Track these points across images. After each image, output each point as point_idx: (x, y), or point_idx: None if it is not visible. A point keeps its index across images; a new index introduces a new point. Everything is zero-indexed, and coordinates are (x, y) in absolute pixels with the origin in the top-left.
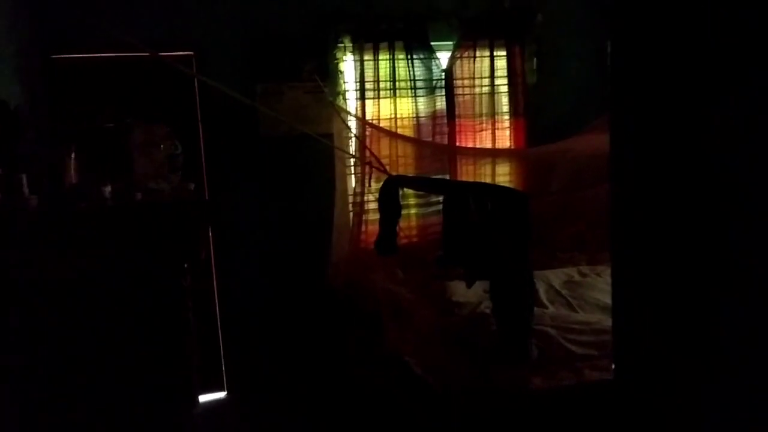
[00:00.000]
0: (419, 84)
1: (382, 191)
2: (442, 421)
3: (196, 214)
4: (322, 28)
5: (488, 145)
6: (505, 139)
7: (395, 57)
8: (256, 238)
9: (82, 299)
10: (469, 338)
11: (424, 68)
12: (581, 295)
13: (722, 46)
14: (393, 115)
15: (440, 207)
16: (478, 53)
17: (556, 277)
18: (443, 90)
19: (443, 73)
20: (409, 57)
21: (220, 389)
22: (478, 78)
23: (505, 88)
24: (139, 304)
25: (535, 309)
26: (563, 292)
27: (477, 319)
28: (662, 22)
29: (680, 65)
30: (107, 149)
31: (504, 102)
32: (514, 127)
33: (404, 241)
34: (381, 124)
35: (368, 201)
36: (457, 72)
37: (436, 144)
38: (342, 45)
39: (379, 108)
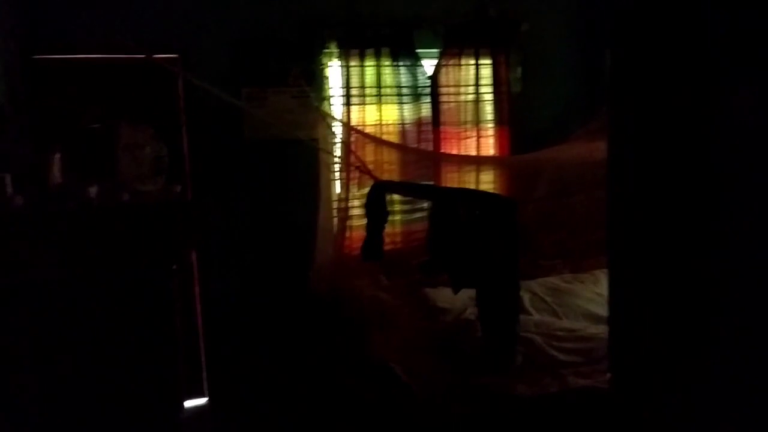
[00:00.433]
0: (404, 91)
1: (370, 196)
2: (425, 428)
3: (185, 216)
4: (309, 33)
5: (473, 152)
6: (489, 148)
7: (381, 63)
8: (238, 242)
9: (69, 300)
10: (453, 345)
11: (409, 75)
12: (565, 303)
13: (721, 47)
14: (378, 122)
15: (424, 214)
16: (463, 61)
17: (539, 285)
18: (428, 97)
19: (428, 81)
20: (394, 64)
21: (201, 395)
22: (463, 86)
23: (489, 97)
24: (126, 305)
25: (521, 316)
26: (547, 299)
27: (462, 326)
28: (661, 26)
29: (679, 67)
30: (92, 150)
31: (488, 110)
32: (499, 136)
33: (389, 247)
34: (366, 130)
35: (352, 207)
36: (443, 79)
37: (421, 150)
38: (328, 50)
39: (364, 114)
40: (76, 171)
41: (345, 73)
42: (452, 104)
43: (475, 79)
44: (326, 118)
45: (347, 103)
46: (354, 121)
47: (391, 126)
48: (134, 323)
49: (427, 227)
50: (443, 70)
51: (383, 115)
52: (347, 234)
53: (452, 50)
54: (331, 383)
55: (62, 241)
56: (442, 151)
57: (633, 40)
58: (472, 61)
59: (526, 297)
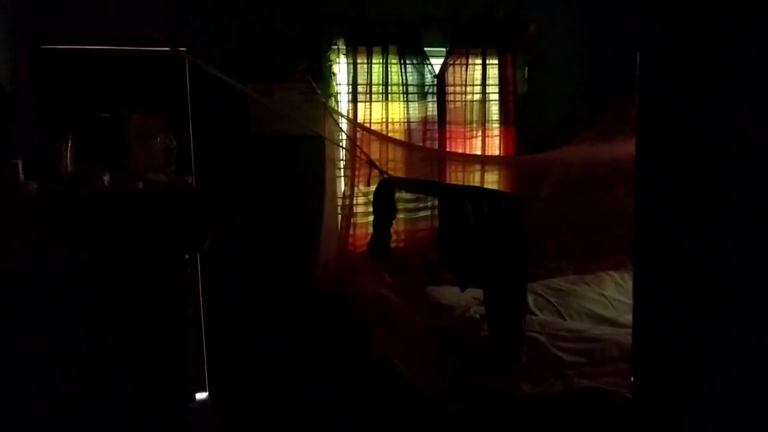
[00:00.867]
0: (411, 89)
1: (378, 192)
2: (428, 426)
3: (200, 205)
4: (316, 29)
5: (478, 152)
6: (494, 148)
7: (388, 61)
8: (242, 236)
9: (81, 286)
10: (457, 343)
11: (416, 74)
12: (570, 304)
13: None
14: (384, 119)
15: (429, 212)
16: (470, 61)
17: (544, 285)
18: (435, 96)
19: (435, 80)
20: (402, 62)
21: (202, 390)
22: (469, 85)
23: (495, 97)
24: (138, 293)
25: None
26: (552, 300)
27: (466, 324)
28: (691, 27)
29: (708, 70)
30: (103, 139)
31: (494, 110)
32: (504, 136)
33: (393, 245)
34: (372, 128)
35: (357, 204)
36: (449, 79)
37: (427, 149)
38: (336, 47)
39: (370, 111)
40: (86, 160)
41: (352, 70)
42: (458, 103)
43: (482, 78)
44: (332, 114)
45: (354, 101)
46: (360, 119)
47: (396, 124)
48: (145, 311)
49: (430, 226)
50: (450, 69)
51: (389, 114)
52: (351, 231)
53: (459, 50)
54: (334, 380)
55: (75, 227)
56: (447, 150)
57: (664, 38)
58: (479, 61)
59: (530, 297)
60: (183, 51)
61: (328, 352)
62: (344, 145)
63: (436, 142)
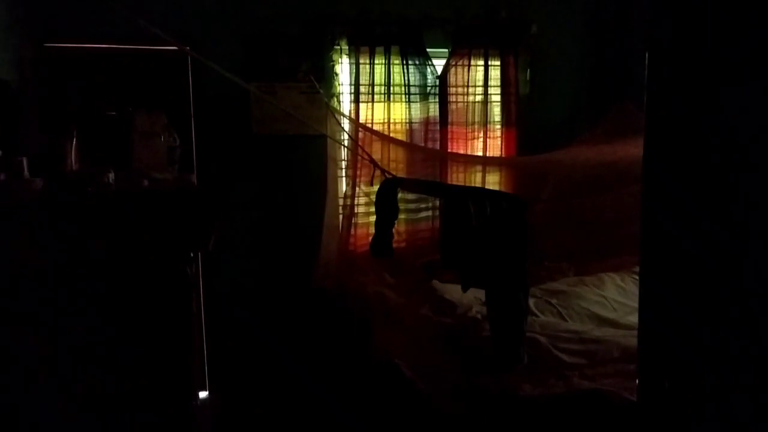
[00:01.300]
0: (413, 89)
1: (381, 192)
2: (429, 426)
3: (205, 204)
4: (319, 29)
5: (479, 153)
6: (496, 148)
7: (391, 62)
8: (244, 235)
9: (87, 284)
10: (459, 343)
11: (418, 74)
12: (570, 305)
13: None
14: (386, 120)
15: (430, 213)
16: (472, 62)
17: (544, 290)
18: (437, 96)
19: (437, 80)
20: (404, 62)
21: (203, 389)
22: (471, 86)
23: (497, 98)
24: (143, 291)
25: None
26: (553, 301)
27: (468, 324)
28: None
29: (716, 71)
30: (107, 137)
31: (496, 111)
32: (506, 137)
33: (394, 245)
34: (374, 128)
35: (358, 204)
36: (451, 79)
37: (429, 149)
38: (338, 47)
39: (372, 111)
40: (91, 157)
41: (354, 70)
42: (460, 104)
43: (484, 79)
44: (335, 114)
45: (356, 101)
46: (362, 119)
47: (399, 124)
48: (150, 309)
49: (432, 226)
50: (452, 70)
51: (391, 114)
52: (352, 231)
53: (461, 50)
54: (335, 380)
55: (80, 225)
56: (449, 150)
57: (671, 41)
58: (481, 62)
59: (531, 299)
60: (187, 49)
61: (329, 351)
62: (346, 145)
63: (438, 142)
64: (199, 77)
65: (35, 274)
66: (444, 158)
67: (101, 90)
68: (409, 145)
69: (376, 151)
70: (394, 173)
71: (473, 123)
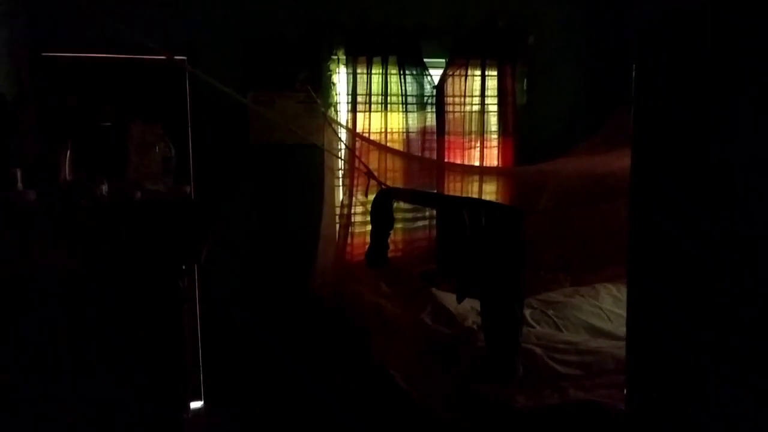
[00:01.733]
0: (410, 99)
1: (376, 202)
2: None
3: (198, 216)
4: (317, 39)
5: (476, 163)
6: (493, 158)
7: (388, 71)
8: (240, 245)
9: (79, 295)
10: (454, 353)
11: (416, 84)
12: (566, 316)
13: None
14: (383, 129)
15: (426, 222)
16: (469, 72)
17: (540, 297)
18: (434, 106)
19: (434, 90)
20: (401, 72)
21: (198, 398)
22: (468, 96)
23: (494, 108)
24: (135, 303)
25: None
26: (549, 312)
27: (463, 335)
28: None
29: (706, 78)
30: (103, 148)
31: (493, 121)
32: (503, 147)
33: (390, 254)
34: (371, 138)
35: (355, 213)
36: (449, 89)
37: (425, 159)
38: (336, 57)
39: (370, 121)
40: (86, 168)
41: (352, 80)
42: (457, 114)
43: (481, 89)
44: (332, 124)
45: (353, 110)
46: (359, 129)
47: (395, 134)
48: (142, 320)
49: (428, 236)
50: (449, 79)
51: (388, 123)
52: (349, 240)
53: (459, 60)
54: (332, 389)
55: (74, 236)
56: (446, 160)
57: (659, 52)
58: (478, 72)
59: (527, 310)
60: (183, 60)
61: (326, 360)
62: (343, 155)
63: (435, 152)
64: (197, 86)
65: (25, 286)
66: (441, 168)
67: (98, 99)
68: (406, 155)
69: (374, 161)
70: (391, 183)
71: (470, 133)
